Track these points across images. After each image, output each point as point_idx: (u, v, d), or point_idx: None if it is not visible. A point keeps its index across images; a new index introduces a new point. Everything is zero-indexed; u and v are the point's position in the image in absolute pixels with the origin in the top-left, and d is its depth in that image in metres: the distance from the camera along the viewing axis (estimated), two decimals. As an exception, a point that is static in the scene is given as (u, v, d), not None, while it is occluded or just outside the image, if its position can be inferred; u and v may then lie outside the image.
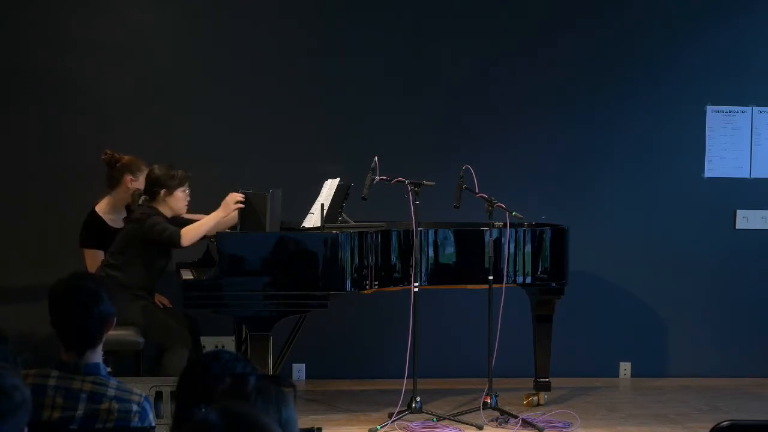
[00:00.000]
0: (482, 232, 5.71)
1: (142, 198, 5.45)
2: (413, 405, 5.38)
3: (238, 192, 5.32)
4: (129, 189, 5.65)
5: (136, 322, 5.27)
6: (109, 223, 5.65)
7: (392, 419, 5.37)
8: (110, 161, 5.67)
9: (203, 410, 1.69)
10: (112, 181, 5.68)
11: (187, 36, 6.72)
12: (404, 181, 5.44)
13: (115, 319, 2.93)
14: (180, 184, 5.41)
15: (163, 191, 5.37)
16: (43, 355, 3.12)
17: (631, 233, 6.87)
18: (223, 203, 5.30)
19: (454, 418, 5.49)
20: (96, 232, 5.60)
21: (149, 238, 5.26)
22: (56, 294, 2.88)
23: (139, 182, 5.66)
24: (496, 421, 5.49)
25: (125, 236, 5.38)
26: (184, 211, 5.46)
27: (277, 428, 1.69)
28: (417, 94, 6.77)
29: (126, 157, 5.68)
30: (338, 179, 5.69)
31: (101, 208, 5.66)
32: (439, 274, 5.68)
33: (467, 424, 5.41)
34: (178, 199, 5.41)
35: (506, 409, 5.54)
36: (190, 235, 5.24)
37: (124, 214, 5.71)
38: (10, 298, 6.43)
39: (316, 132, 6.70)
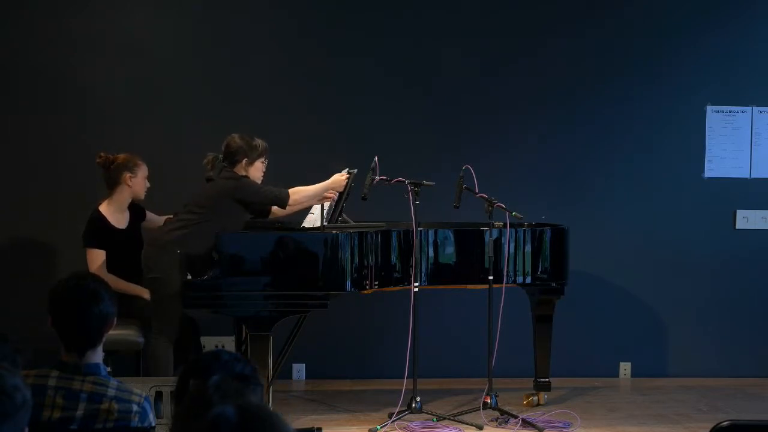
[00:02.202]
0: (482, 232, 5.71)
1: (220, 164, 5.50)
2: (413, 405, 5.38)
3: (346, 170, 5.57)
4: (129, 187, 5.63)
5: (168, 288, 5.25)
6: (113, 223, 5.64)
7: (392, 419, 5.37)
8: (105, 163, 5.63)
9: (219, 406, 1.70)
10: (111, 181, 5.64)
11: (187, 36, 6.72)
12: (404, 181, 5.44)
13: (115, 319, 2.93)
14: (260, 155, 5.50)
15: (244, 160, 5.44)
16: (43, 355, 3.12)
17: (631, 233, 6.87)
18: (335, 178, 5.50)
19: (454, 418, 5.49)
20: (100, 231, 5.57)
21: (245, 198, 5.32)
22: (56, 294, 2.88)
23: (138, 179, 5.64)
24: (496, 421, 5.49)
25: (211, 192, 5.39)
26: (260, 182, 5.51)
27: (291, 427, 1.70)
28: (417, 94, 6.78)
29: (120, 156, 5.64)
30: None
31: (104, 208, 5.65)
32: (439, 274, 5.68)
33: (467, 424, 5.41)
34: (257, 169, 5.50)
35: (506, 409, 5.54)
36: (297, 197, 5.41)
37: (127, 214, 5.70)
38: (11, 297, 6.43)
39: (316, 132, 6.71)
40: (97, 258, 5.55)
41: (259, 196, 5.38)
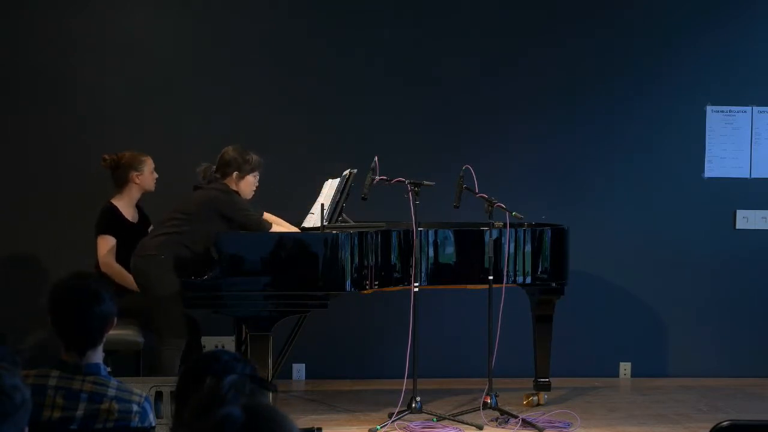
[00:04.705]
0: (482, 232, 5.71)
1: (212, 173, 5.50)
2: (413, 405, 5.38)
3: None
4: (138, 184, 5.69)
5: (165, 293, 5.23)
6: (126, 216, 5.70)
7: (392, 419, 5.37)
8: (111, 165, 5.71)
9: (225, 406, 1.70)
10: (119, 181, 5.74)
11: (188, 36, 6.72)
12: (404, 181, 5.44)
13: (115, 319, 2.93)
14: (253, 170, 5.48)
15: (235, 174, 5.43)
16: (43, 355, 3.12)
17: (631, 233, 6.87)
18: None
19: (454, 418, 5.49)
20: (113, 221, 5.65)
21: (229, 214, 5.30)
22: (57, 294, 2.88)
23: (145, 174, 5.72)
24: (496, 421, 5.49)
25: (198, 200, 5.37)
26: (251, 196, 5.51)
27: (296, 427, 1.70)
28: (417, 94, 6.77)
29: (125, 155, 5.73)
30: (338, 179, 5.69)
31: (117, 201, 5.73)
32: (439, 274, 5.68)
33: (467, 424, 5.41)
34: (249, 184, 5.49)
35: (506, 409, 5.54)
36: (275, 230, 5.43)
37: (137, 211, 5.80)
38: (11, 297, 6.43)
39: (316, 132, 6.71)
40: (107, 244, 5.62)
41: (242, 216, 5.34)
